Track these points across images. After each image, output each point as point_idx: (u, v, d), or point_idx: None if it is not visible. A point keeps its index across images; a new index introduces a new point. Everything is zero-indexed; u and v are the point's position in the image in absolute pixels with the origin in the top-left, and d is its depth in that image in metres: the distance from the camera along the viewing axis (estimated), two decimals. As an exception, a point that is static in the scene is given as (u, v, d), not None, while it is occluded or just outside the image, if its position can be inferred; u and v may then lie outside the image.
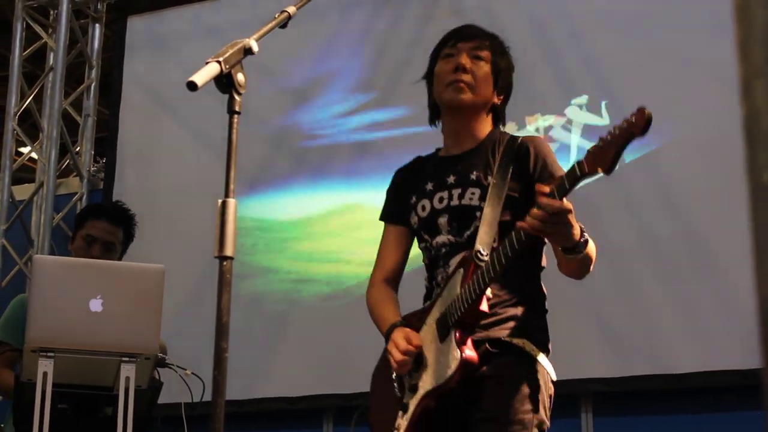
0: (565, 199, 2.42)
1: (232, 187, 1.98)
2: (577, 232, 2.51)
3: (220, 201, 1.96)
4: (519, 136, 2.91)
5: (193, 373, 3.73)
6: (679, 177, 4.79)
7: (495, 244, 2.68)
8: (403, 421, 2.71)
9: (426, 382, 2.68)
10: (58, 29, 6.38)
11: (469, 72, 2.83)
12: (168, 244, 5.80)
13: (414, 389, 2.70)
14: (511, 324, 2.74)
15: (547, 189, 2.44)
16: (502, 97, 2.94)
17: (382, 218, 3.06)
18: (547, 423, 2.75)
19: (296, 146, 5.77)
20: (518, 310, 2.76)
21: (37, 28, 6.54)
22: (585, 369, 4.80)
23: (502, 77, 2.92)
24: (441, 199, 2.85)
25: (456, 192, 2.84)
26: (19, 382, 3.36)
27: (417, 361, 2.73)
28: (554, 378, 2.82)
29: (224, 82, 2.03)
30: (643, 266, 4.77)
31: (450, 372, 2.61)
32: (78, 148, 6.53)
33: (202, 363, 3.18)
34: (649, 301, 4.72)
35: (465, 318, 2.64)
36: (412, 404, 2.70)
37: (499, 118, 2.96)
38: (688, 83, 4.88)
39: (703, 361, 4.58)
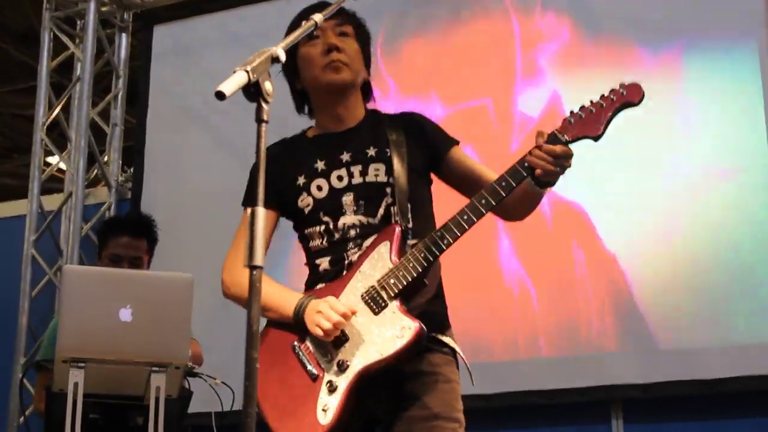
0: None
1: (261, 195, 1.97)
2: None
3: (249, 210, 1.96)
4: (396, 113, 2.93)
5: (223, 382, 3.73)
6: (713, 184, 4.76)
7: (411, 219, 2.69)
8: (332, 399, 2.58)
9: (363, 357, 2.58)
10: (84, 39, 6.40)
11: (341, 51, 2.80)
12: (197, 253, 5.79)
13: (344, 366, 2.59)
14: (437, 318, 2.73)
15: (545, 134, 2.60)
16: (366, 72, 2.92)
17: (248, 203, 2.88)
18: None
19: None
20: (436, 304, 2.74)
21: (65, 39, 6.57)
22: (615, 375, 4.77)
23: (367, 51, 2.91)
24: (340, 178, 2.78)
25: (356, 169, 2.78)
26: (50, 393, 3.37)
27: (337, 338, 2.62)
28: (472, 383, 2.81)
29: (252, 91, 2.02)
30: (674, 272, 4.73)
31: (404, 342, 2.54)
32: (106, 157, 6.55)
33: (232, 372, 3.17)
34: (680, 305, 4.68)
35: (407, 290, 2.60)
36: (345, 381, 2.58)
37: (368, 92, 2.95)
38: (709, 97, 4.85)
39: (736, 366, 4.54)
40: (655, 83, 4.13)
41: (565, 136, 2.59)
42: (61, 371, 3.21)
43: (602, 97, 2.60)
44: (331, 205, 2.77)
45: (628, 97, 2.57)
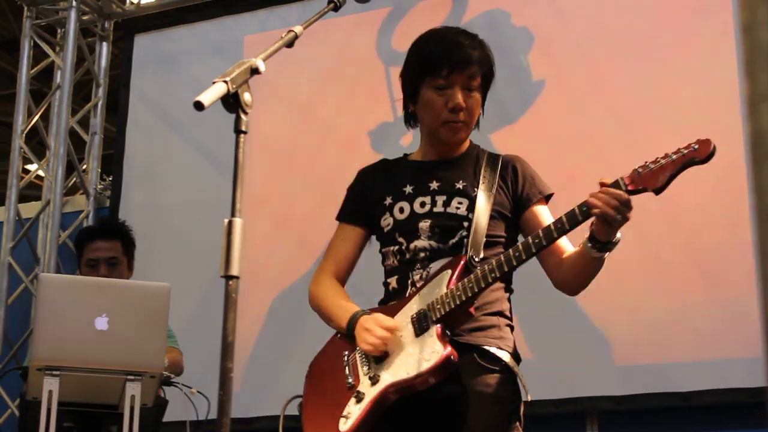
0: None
1: (238, 206, 1.98)
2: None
3: (226, 220, 1.96)
4: (499, 154, 2.96)
5: (198, 392, 3.73)
6: (687, 193, 4.79)
7: (482, 255, 2.72)
8: (355, 409, 2.65)
9: (392, 374, 2.64)
10: (65, 47, 6.39)
11: (464, 109, 2.83)
12: (174, 262, 5.80)
13: (375, 379, 2.66)
14: (493, 332, 2.75)
15: (609, 181, 2.56)
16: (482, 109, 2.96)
17: (341, 218, 3.01)
18: None
19: (305, 163, 5.77)
20: (496, 320, 2.78)
21: (45, 47, 6.56)
22: (591, 387, 4.79)
23: (486, 92, 2.93)
24: (423, 204, 2.84)
25: (440, 199, 2.84)
26: (24, 401, 3.36)
27: (380, 354, 2.70)
28: (528, 398, 2.81)
29: (231, 102, 2.04)
30: (649, 284, 4.76)
31: (429, 365, 2.58)
32: (85, 165, 6.53)
33: (209, 381, 3.17)
34: (655, 318, 4.71)
35: (450, 317, 2.64)
36: (371, 393, 2.65)
37: (476, 124, 2.98)
38: (695, 101, 4.88)
39: (709, 379, 4.57)
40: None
41: (628, 186, 2.55)
42: (35, 379, 3.20)
43: (675, 151, 2.54)
44: (409, 227, 2.84)
45: (697, 153, 2.51)
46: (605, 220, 2.54)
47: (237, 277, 1.95)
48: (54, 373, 3.17)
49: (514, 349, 2.82)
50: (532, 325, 4.88)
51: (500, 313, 2.80)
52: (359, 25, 5.71)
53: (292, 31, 2.43)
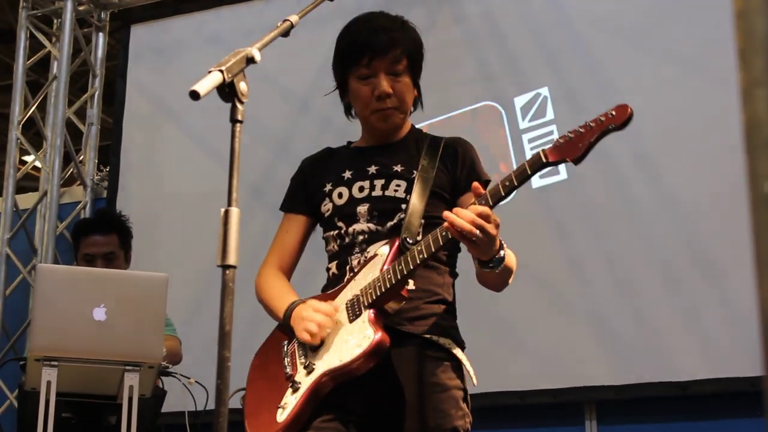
0: (492, 212, 2.46)
1: (234, 195, 1.98)
2: (496, 247, 2.53)
3: (222, 210, 1.96)
4: (442, 137, 2.94)
5: (196, 382, 3.73)
6: (683, 185, 4.78)
7: (419, 237, 2.70)
8: (292, 399, 2.64)
9: (326, 362, 2.62)
10: (61, 38, 6.38)
11: (392, 95, 2.81)
12: (171, 252, 5.80)
13: (309, 368, 2.64)
14: (432, 321, 2.74)
15: (481, 190, 2.49)
16: (416, 90, 2.93)
17: (285, 207, 3.02)
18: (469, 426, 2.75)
19: (300, 154, 5.76)
20: (438, 308, 2.77)
21: (41, 37, 6.55)
22: (589, 377, 4.79)
23: (418, 72, 2.91)
24: (361, 188, 2.84)
25: (379, 182, 2.83)
26: (23, 391, 3.37)
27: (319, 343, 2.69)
28: (475, 381, 2.79)
29: (227, 91, 2.03)
30: (647, 274, 4.76)
31: (360, 351, 2.55)
32: (82, 156, 6.53)
33: (207, 371, 3.18)
34: (653, 308, 4.71)
35: (383, 299, 2.61)
36: (306, 382, 2.63)
37: (416, 105, 2.96)
38: (690, 90, 4.88)
39: (708, 368, 4.57)
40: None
41: (549, 157, 2.45)
42: (33, 370, 3.21)
43: (593, 119, 2.47)
44: (348, 212, 2.83)
45: (615, 119, 2.45)
46: (470, 242, 2.48)
47: (234, 267, 1.95)
48: (52, 363, 3.17)
49: (458, 335, 2.80)
50: (530, 315, 4.89)
51: (442, 301, 2.78)
52: (356, 14, 5.70)
53: (288, 20, 2.42)
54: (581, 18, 5.24)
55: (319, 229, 2.99)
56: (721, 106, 4.53)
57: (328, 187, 2.89)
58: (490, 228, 2.44)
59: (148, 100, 6.36)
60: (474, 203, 2.48)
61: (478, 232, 2.42)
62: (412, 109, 2.95)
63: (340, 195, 2.86)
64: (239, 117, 2.03)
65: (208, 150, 5.93)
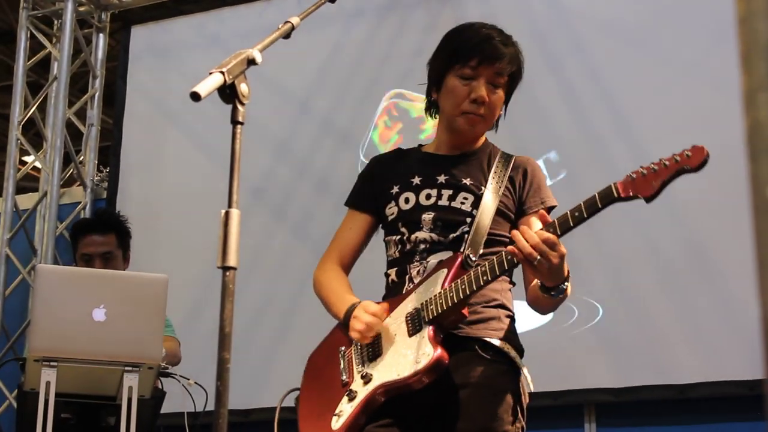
0: (559, 241, 2.49)
1: (235, 197, 1.98)
2: (563, 275, 2.56)
3: (223, 211, 1.96)
4: (513, 155, 2.93)
5: (196, 383, 3.73)
6: (684, 188, 4.77)
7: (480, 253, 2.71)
8: (347, 407, 2.64)
9: (383, 374, 2.63)
10: (62, 39, 6.38)
11: (487, 105, 2.81)
12: (171, 253, 5.80)
13: (367, 378, 2.65)
14: (491, 324, 2.74)
15: (548, 219, 2.53)
16: (503, 110, 2.95)
17: (350, 203, 3.01)
18: None
19: (300, 156, 5.77)
20: (497, 313, 2.77)
21: (41, 38, 6.55)
22: (588, 379, 4.79)
23: (511, 93, 2.93)
24: (428, 196, 2.83)
25: (446, 193, 2.83)
26: (22, 392, 3.36)
27: (374, 351, 2.70)
28: (532, 389, 2.79)
29: (227, 93, 2.03)
30: (646, 276, 4.76)
31: (418, 367, 2.55)
32: (82, 157, 6.53)
33: (206, 372, 3.17)
34: (652, 311, 4.71)
35: (442, 317, 2.62)
36: (363, 392, 2.64)
37: (495, 124, 2.97)
38: (692, 94, 4.88)
39: (707, 371, 4.57)
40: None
41: (621, 192, 2.48)
42: (33, 370, 3.20)
43: (668, 157, 2.49)
44: (412, 218, 2.82)
45: (690, 161, 2.47)
46: (533, 267, 2.50)
47: (234, 268, 1.95)
48: (52, 364, 3.17)
49: (517, 340, 2.81)
50: (530, 317, 4.89)
51: (501, 306, 2.79)
52: (357, 16, 5.71)
53: (289, 22, 2.42)
54: (583, 21, 5.24)
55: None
56: (722, 109, 4.53)
57: (396, 189, 2.89)
58: (553, 256, 2.46)
59: (149, 101, 6.36)
60: (542, 229, 2.51)
61: (539, 256, 2.45)
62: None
63: (406, 200, 2.86)
64: (240, 118, 2.03)
65: (208, 151, 5.93)
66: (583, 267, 4.89)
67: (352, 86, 5.72)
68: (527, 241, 2.46)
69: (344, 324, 2.77)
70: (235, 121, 2.03)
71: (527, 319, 4.88)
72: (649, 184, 2.47)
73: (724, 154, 4.62)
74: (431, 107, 2.97)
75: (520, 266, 2.65)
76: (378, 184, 2.94)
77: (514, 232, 2.52)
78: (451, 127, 2.89)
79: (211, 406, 2.01)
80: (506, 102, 2.91)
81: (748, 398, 4.42)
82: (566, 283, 2.59)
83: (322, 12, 2.80)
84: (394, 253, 2.86)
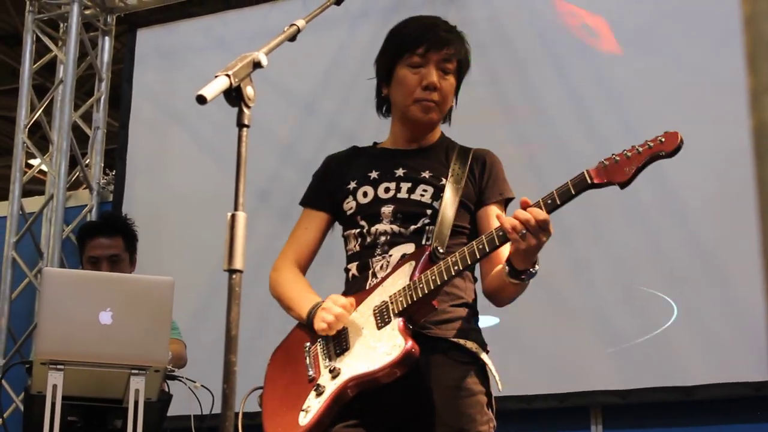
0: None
1: (241, 200, 1.98)
2: (536, 257, 2.57)
3: (229, 214, 1.96)
4: (470, 148, 2.94)
5: (202, 386, 3.73)
6: (689, 189, 4.77)
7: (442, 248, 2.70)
8: (315, 402, 2.63)
9: (353, 367, 2.62)
10: (68, 42, 6.39)
11: (438, 90, 2.82)
12: (177, 256, 5.81)
13: (335, 372, 2.63)
14: (458, 324, 2.74)
15: (530, 203, 2.51)
16: (455, 100, 2.95)
17: (305, 202, 3.01)
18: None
19: (306, 158, 5.77)
20: (462, 311, 2.77)
21: (47, 41, 6.56)
22: (595, 381, 4.79)
23: (461, 81, 2.93)
24: (387, 189, 2.84)
25: (405, 185, 2.83)
26: (29, 395, 3.37)
27: (341, 345, 2.69)
28: (500, 386, 2.77)
29: (233, 96, 2.03)
30: (652, 278, 4.75)
31: (390, 359, 2.55)
32: (88, 160, 6.54)
33: (213, 375, 3.18)
34: (658, 312, 4.70)
35: (412, 309, 2.62)
36: (331, 386, 2.62)
37: (448, 116, 2.98)
38: (698, 94, 4.87)
39: (713, 372, 4.57)
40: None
41: (594, 179, 2.48)
42: (39, 373, 3.21)
43: (641, 143, 2.50)
44: (371, 211, 2.83)
45: (664, 146, 2.47)
46: (516, 243, 2.50)
47: (240, 271, 1.95)
48: (58, 367, 3.17)
49: (481, 338, 2.80)
50: (536, 319, 4.88)
51: (466, 304, 2.79)
52: (362, 18, 5.71)
53: (295, 24, 2.42)
54: (587, 22, 5.24)
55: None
56: (727, 109, 4.52)
57: (353, 185, 2.89)
58: (543, 235, 2.48)
59: (154, 104, 6.36)
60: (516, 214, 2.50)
61: (524, 230, 2.46)
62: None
63: (365, 194, 2.86)
64: (246, 121, 2.03)
65: (214, 154, 5.93)
66: (590, 268, 4.89)
67: (357, 88, 5.71)
68: (517, 216, 2.48)
69: (307, 323, 2.76)
70: (241, 124, 2.03)
71: (528, 319, 4.90)
72: (622, 171, 2.46)
73: (730, 155, 4.62)
74: (382, 104, 2.99)
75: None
76: (334, 181, 2.94)
77: (502, 222, 2.53)
78: (405, 118, 2.90)
79: (217, 409, 2.01)
80: (456, 90, 2.91)
81: (755, 399, 4.41)
82: (536, 266, 2.59)
83: (327, 14, 2.81)
84: (354, 246, 2.85)
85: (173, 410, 3.69)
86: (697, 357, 4.60)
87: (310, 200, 3.01)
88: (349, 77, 5.74)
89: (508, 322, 4.90)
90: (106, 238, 4.21)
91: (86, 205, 6.41)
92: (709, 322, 4.61)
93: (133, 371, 3.24)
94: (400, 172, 2.86)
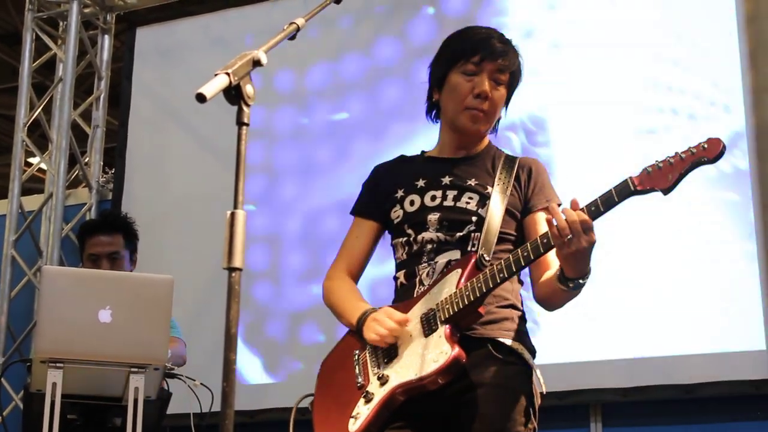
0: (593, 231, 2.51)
1: (240, 198, 1.98)
2: (587, 266, 2.58)
3: (228, 212, 1.96)
4: (517, 156, 2.96)
5: (201, 384, 3.73)
6: (689, 185, 4.76)
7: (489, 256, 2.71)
8: (364, 409, 2.64)
9: (401, 374, 2.63)
10: (67, 40, 6.39)
11: (488, 99, 2.82)
12: (177, 254, 5.81)
13: (383, 380, 2.65)
14: (504, 325, 2.75)
15: (578, 205, 2.52)
16: (505, 111, 2.96)
17: (355, 212, 3.02)
18: None
19: (306, 154, 5.77)
20: (509, 313, 2.78)
21: (47, 40, 6.56)
22: (594, 379, 4.79)
23: (512, 94, 2.93)
24: (433, 197, 2.85)
25: (451, 193, 2.84)
26: (28, 393, 3.37)
27: (390, 353, 2.70)
28: (544, 391, 2.78)
29: (233, 94, 2.03)
30: (652, 276, 4.75)
31: (436, 366, 2.56)
32: (87, 158, 6.54)
33: (212, 373, 3.18)
34: (659, 310, 4.70)
35: (459, 316, 2.63)
36: (380, 394, 2.64)
37: (495, 126, 2.98)
38: (696, 92, 4.86)
39: (713, 371, 4.57)
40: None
41: (637, 186, 2.51)
42: (39, 371, 3.21)
43: (684, 150, 2.50)
44: (417, 219, 2.84)
45: (707, 152, 2.47)
46: (560, 248, 2.51)
47: (240, 269, 1.95)
48: (57, 365, 3.17)
49: (529, 341, 2.81)
50: (536, 316, 4.88)
51: (513, 306, 2.80)
52: (361, 18, 5.71)
53: (295, 23, 2.42)
54: (586, 22, 5.24)
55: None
56: (725, 106, 4.52)
57: (400, 193, 2.90)
58: (585, 239, 2.49)
59: (154, 103, 6.36)
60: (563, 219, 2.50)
61: (570, 234, 2.47)
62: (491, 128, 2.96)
63: (411, 202, 2.87)
64: (245, 120, 2.03)
65: (213, 152, 5.93)
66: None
67: (356, 88, 5.72)
68: (565, 217, 2.48)
69: (357, 330, 2.78)
70: (240, 123, 2.03)
71: (527, 317, 4.88)
72: (665, 177, 2.49)
73: (728, 151, 4.60)
74: (432, 109, 2.99)
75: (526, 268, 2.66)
76: (382, 190, 2.96)
77: (552, 206, 2.57)
78: (454, 126, 2.90)
79: (216, 407, 2.01)
80: (507, 102, 2.92)
81: (755, 398, 4.41)
82: (587, 278, 2.60)
83: (327, 12, 2.81)
84: (402, 255, 2.87)
85: (173, 408, 3.69)
86: (697, 355, 4.60)
87: (359, 209, 3.02)
88: (348, 74, 5.73)
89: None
90: (106, 235, 4.21)
91: (85, 204, 6.42)
92: (709, 320, 4.61)
93: (132, 369, 3.24)
94: (446, 180, 2.87)
